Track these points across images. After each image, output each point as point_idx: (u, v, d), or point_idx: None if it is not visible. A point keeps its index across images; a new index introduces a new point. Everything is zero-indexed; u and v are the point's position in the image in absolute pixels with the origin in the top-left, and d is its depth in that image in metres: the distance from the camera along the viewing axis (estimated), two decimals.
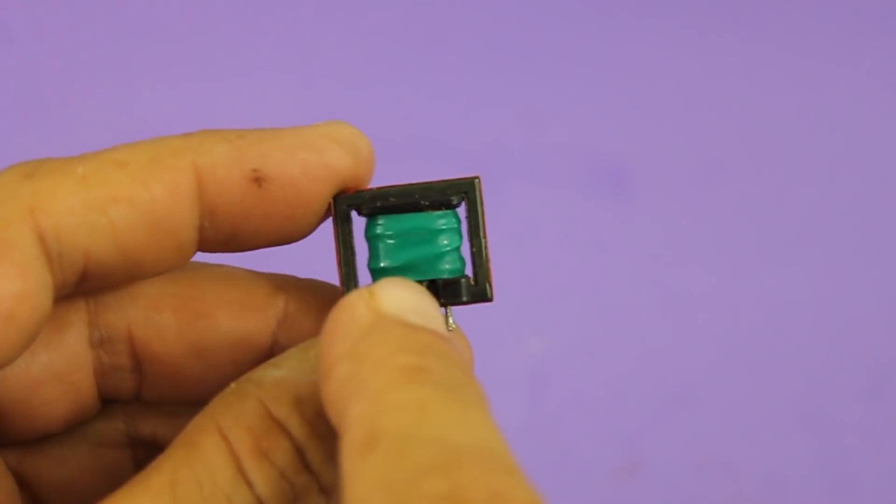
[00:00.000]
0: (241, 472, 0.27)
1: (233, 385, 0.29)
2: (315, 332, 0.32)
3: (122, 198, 0.29)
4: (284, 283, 0.33)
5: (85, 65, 0.75)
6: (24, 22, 0.76)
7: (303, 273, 0.34)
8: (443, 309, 0.31)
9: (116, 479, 0.29)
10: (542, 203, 0.74)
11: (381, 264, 0.31)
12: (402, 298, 0.28)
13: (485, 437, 0.24)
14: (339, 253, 0.31)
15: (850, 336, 0.71)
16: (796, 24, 0.78)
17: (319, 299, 0.33)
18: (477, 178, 0.31)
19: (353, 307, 0.28)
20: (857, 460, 0.68)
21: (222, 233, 0.31)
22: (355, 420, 0.25)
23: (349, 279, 0.31)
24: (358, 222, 0.32)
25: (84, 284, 0.30)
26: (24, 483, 0.34)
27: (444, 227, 0.31)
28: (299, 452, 0.28)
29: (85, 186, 0.29)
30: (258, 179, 0.30)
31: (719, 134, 0.76)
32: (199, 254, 0.32)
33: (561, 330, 0.72)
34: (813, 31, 0.78)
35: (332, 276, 0.33)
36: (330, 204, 0.31)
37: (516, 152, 0.75)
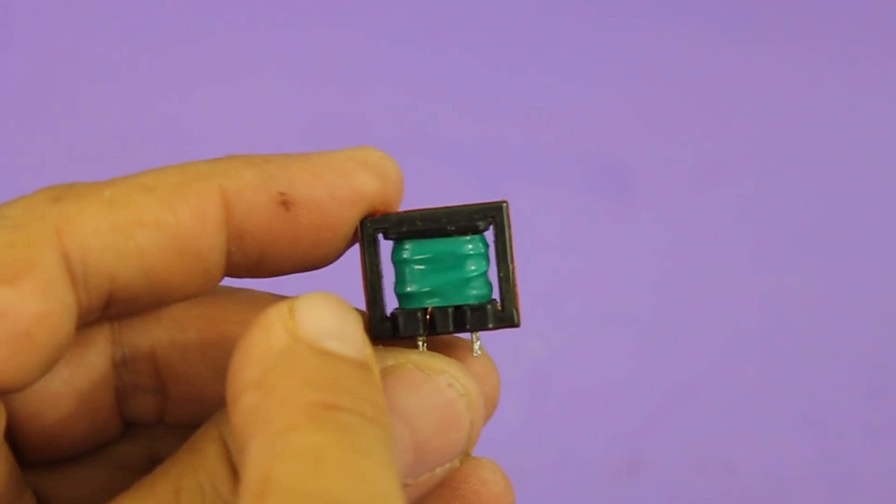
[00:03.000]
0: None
1: None
2: None
3: (148, 222, 0.29)
4: None
5: (85, 66, 0.75)
6: (24, 22, 0.75)
7: None
8: (470, 335, 0.31)
9: None
10: (543, 203, 0.73)
11: (408, 289, 0.31)
12: (322, 319, 0.27)
13: (376, 494, 0.24)
14: (365, 277, 0.31)
15: (850, 336, 0.71)
16: (797, 25, 0.78)
17: None
18: (505, 202, 0.31)
19: (269, 326, 0.27)
20: (857, 460, 0.69)
21: (250, 257, 0.31)
22: (253, 461, 0.25)
23: (375, 303, 0.31)
24: (385, 246, 0.32)
25: (110, 309, 0.30)
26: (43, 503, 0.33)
27: (471, 251, 0.31)
28: None
29: (112, 210, 0.29)
30: (286, 203, 0.30)
31: (720, 134, 0.76)
32: (225, 279, 0.31)
33: (561, 330, 0.72)
34: (814, 32, 0.78)
35: (356, 302, 0.33)
36: (357, 228, 0.31)
37: (517, 152, 0.75)
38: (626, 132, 0.75)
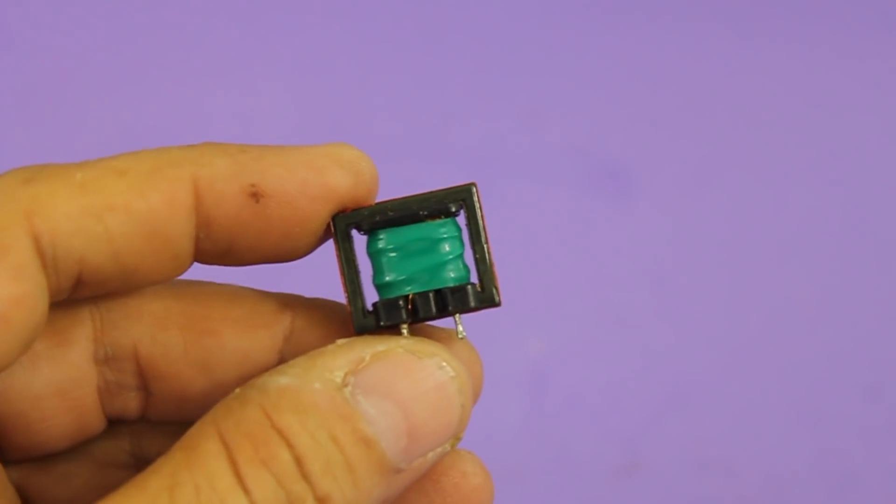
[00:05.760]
0: (239, 478, 0.27)
1: (237, 390, 0.29)
2: None
3: (118, 206, 0.29)
4: (291, 301, 0.33)
5: (84, 67, 0.75)
6: (24, 23, 0.75)
7: (314, 293, 0.33)
8: (452, 317, 0.31)
9: None
10: (541, 203, 0.73)
11: (386, 278, 0.31)
12: None
13: None
14: (342, 272, 0.31)
15: (849, 336, 0.71)
16: (797, 23, 0.78)
17: (327, 317, 0.33)
18: (473, 184, 0.31)
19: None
20: (857, 460, 0.68)
21: (218, 246, 0.31)
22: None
23: (355, 296, 0.31)
24: (359, 241, 0.32)
25: (79, 291, 0.30)
26: (27, 500, 0.33)
27: (444, 235, 0.31)
28: (298, 461, 0.27)
29: (83, 193, 0.29)
30: (256, 195, 0.30)
31: (718, 134, 0.76)
32: (207, 269, 0.31)
33: (560, 330, 0.71)
34: (814, 31, 0.78)
35: (336, 297, 0.32)
36: (329, 224, 0.31)
37: (516, 152, 0.75)
38: (625, 131, 0.75)
